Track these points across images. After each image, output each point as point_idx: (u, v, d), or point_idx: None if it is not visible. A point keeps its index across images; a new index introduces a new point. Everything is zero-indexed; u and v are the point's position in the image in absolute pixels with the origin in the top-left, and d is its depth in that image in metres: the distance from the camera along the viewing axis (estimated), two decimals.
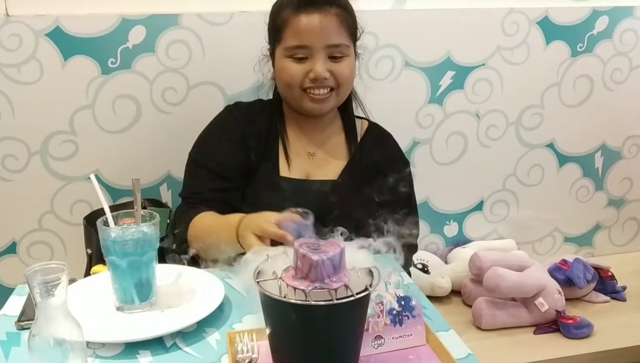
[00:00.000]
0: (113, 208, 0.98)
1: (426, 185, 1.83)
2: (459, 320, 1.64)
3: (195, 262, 1.25)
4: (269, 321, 0.78)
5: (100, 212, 0.98)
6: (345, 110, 1.42)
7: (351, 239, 0.82)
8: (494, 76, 1.80)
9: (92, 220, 1.38)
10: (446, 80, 1.77)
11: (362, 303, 0.76)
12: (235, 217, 1.13)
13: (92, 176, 1.01)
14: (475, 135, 1.85)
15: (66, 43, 1.50)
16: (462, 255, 1.83)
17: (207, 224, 1.23)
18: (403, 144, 1.55)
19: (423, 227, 1.77)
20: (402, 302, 0.87)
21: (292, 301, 0.72)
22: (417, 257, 1.76)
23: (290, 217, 1.03)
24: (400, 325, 0.87)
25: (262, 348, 0.86)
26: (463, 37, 1.74)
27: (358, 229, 0.88)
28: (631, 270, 1.93)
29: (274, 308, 0.76)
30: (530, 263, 1.69)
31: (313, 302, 0.71)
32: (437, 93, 1.78)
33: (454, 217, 1.92)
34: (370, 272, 0.78)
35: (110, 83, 1.55)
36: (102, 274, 1.08)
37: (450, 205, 1.90)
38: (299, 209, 1.05)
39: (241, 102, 1.44)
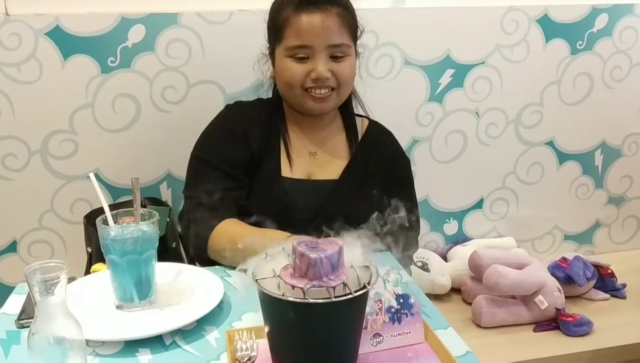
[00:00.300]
0: (113, 207, 0.99)
1: (426, 183, 1.83)
2: (459, 318, 1.64)
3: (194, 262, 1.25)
4: (268, 319, 0.79)
5: (100, 211, 0.98)
6: (346, 109, 1.42)
7: (351, 237, 0.82)
8: (494, 74, 1.80)
9: (92, 218, 1.38)
10: (446, 78, 1.77)
11: (360, 301, 0.76)
12: (282, 234, 1.11)
13: (92, 175, 1.01)
14: (474, 133, 1.85)
15: (66, 42, 1.50)
16: (462, 253, 1.83)
17: (241, 231, 1.18)
18: (403, 142, 1.54)
19: (423, 225, 1.76)
20: (401, 300, 0.87)
21: (291, 299, 0.72)
22: (417, 255, 1.76)
23: None
24: (399, 322, 0.87)
25: (261, 346, 0.86)
26: (462, 35, 1.74)
27: (359, 228, 0.88)
28: (631, 267, 1.93)
29: (272, 307, 0.76)
30: (530, 261, 1.69)
31: (311, 300, 0.71)
32: (437, 91, 1.77)
33: (453, 215, 1.92)
34: (369, 270, 0.79)
35: (110, 82, 1.55)
36: (102, 273, 1.08)
37: (450, 203, 1.91)
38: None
39: (241, 101, 1.44)
